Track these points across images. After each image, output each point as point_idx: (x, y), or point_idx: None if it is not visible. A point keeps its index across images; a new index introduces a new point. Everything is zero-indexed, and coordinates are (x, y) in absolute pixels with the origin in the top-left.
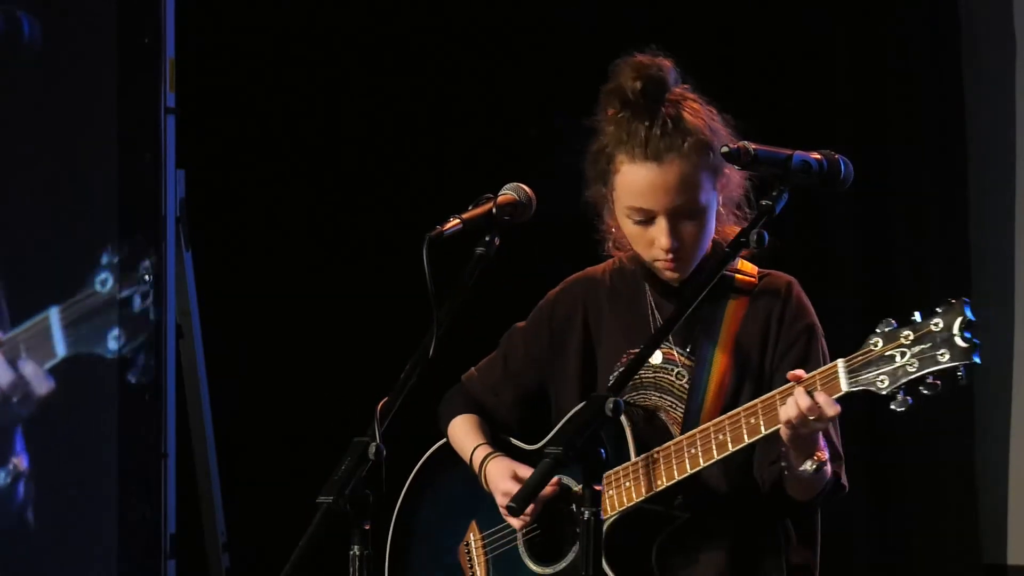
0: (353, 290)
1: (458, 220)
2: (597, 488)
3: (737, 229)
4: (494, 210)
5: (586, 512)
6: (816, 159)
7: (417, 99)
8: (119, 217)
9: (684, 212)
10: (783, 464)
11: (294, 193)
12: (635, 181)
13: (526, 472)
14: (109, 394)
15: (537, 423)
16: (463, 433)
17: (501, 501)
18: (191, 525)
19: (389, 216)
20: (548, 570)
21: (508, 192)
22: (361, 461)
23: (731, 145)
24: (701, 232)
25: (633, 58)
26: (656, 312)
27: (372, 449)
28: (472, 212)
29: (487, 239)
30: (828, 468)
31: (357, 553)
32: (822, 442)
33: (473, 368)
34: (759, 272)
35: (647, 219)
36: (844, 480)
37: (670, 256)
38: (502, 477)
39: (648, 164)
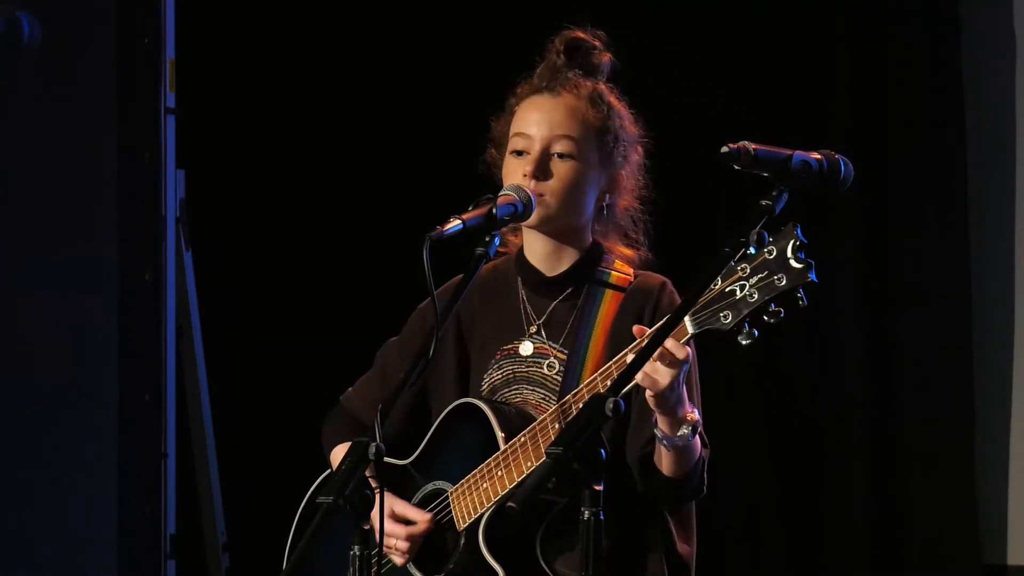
0: (353, 290)
1: (458, 220)
2: (597, 488)
3: (623, 249)
4: (494, 210)
5: (586, 512)
6: (816, 159)
7: (418, 98)
8: (119, 218)
9: (559, 149)
10: (657, 434)
11: (294, 193)
12: (527, 111)
13: (402, 509)
14: (109, 394)
15: (417, 436)
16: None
17: (387, 542)
18: (191, 525)
19: (389, 216)
20: None
21: (508, 193)
22: (361, 461)
23: (731, 145)
24: (570, 181)
25: (568, 31)
26: (527, 306)
27: (372, 449)
28: (472, 212)
29: (487, 239)
30: (699, 443)
31: (357, 553)
32: (690, 405)
33: (350, 388)
34: (634, 272)
35: (524, 150)
36: (704, 475)
37: (532, 185)
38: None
39: (542, 95)
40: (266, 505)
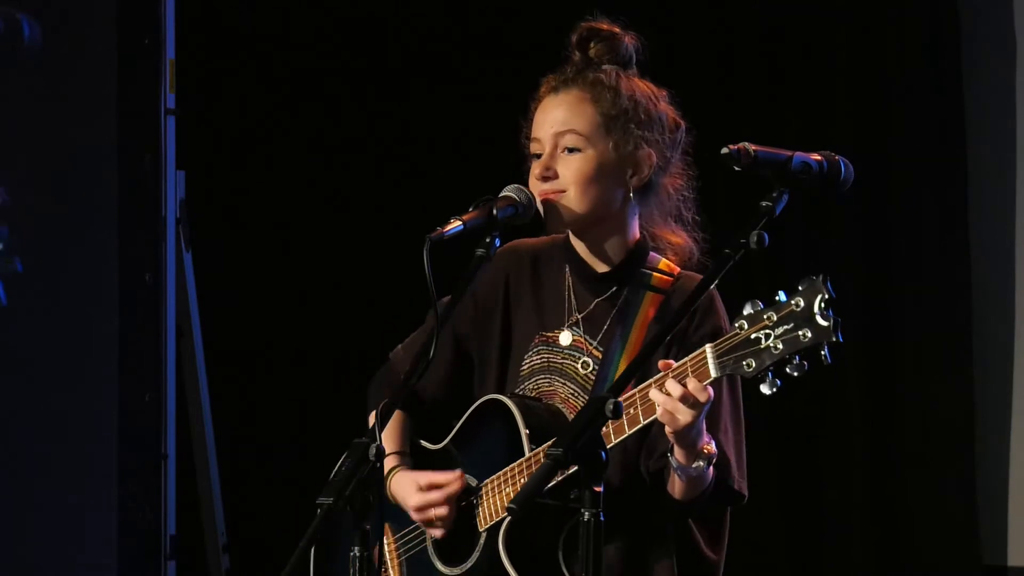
0: (354, 291)
1: (458, 221)
2: (597, 489)
3: (678, 237)
4: (495, 211)
5: (586, 514)
6: (816, 160)
7: (419, 99)
8: (119, 218)
9: (566, 144)
10: (672, 463)
11: (295, 193)
12: (537, 114)
13: (427, 477)
14: (109, 395)
15: (454, 410)
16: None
17: (416, 516)
18: (191, 526)
19: (390, 217)
20: (456, 570)
21: (509, 194)
22: (361, 462)
23: (731, 146)
24: (581, 174)
25: (590, 21)
26: (573, 297)
27: (372, 450)
28: (472, 213)
29: (487, 240)
30: (711, 470)
31: (357, 554)
32: (707, 436)
33: (399, 345)
34: (678, 273)
35: (538, 152)
36: (737, 486)
37: (545, 187)
38: (409, 492)
39: (551, 95)
40: (266, 506)
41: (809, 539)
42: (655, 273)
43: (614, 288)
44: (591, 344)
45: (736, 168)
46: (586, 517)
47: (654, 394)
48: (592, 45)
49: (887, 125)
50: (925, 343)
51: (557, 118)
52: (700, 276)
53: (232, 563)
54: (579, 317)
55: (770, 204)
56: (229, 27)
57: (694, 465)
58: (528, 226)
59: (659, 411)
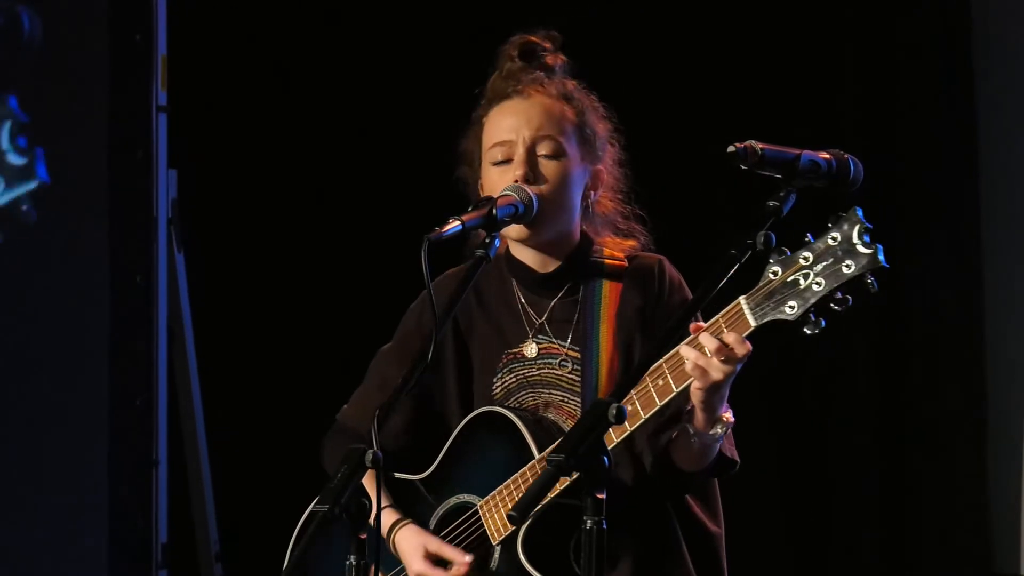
0: (349, 293)
1: (457, 221)
2: (600, 496)
3: (620, 241)
4: (494, 211)
5: (588, 521)
6: (825, 159)
7: (416, 98)
8: (110, 218)
9: (544, 148)
10: (689, 429)
11: (290, 193)
12: (500, 118)
13: (436, 547)
14: (99, 399)
15: (423, 447)
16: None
17: None
18: (183, 534)
19: (386, 217)
20: None
21: (509, 193)
22: (358, 469)
23: (738, 144)
24: (561, 179)
25: (520, 36)
26: (527, 305)
27: (369, 457)
28: (472, 214)
29: (487, 241)
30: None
31: (353, 563)
32: (725, 404)
33: (345, 405)
34: (627, 255)
35: (508, 158)
36: (730, 453)
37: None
38: (415, 555)
39: (513, 99)
40: (260, 513)
41: (817, 545)
42: (606, 261)
43: (568, 284)
44: (563, 346)
45: (742, 167)
46: (588, 525)
47: (685, 350)
48: (532, 58)
49: (897, 123)
50: (936, 346)
51: (533, 121)
52: (653, 255)
53: (225, 572)
54: (542, 322)
55: (777, 204)
56: (222, 23)
57: (711, 432)
58: (456, 249)
59: (689, 366)
